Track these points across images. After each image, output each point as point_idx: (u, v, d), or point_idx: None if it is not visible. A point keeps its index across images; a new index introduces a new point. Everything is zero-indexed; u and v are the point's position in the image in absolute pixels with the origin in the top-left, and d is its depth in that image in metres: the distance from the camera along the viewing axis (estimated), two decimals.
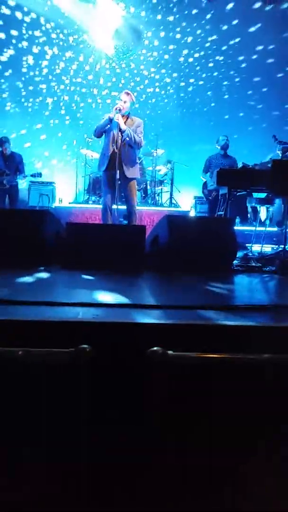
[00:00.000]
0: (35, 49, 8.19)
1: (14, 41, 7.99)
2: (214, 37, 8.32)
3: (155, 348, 1.18)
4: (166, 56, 8.59)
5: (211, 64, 8.55)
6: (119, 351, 1.27)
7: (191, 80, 8.76)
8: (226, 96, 8.65)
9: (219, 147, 5.95)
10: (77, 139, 8.14)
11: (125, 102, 4.12)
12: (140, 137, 4.23)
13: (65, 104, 8.52)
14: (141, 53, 8.56)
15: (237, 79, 8.53)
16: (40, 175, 5.92)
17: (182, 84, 8.76)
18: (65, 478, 1.11)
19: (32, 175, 5.86)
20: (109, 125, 4.14)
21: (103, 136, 4.30)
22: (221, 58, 8.48)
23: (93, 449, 1.13)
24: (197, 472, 1.11)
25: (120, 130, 4.10)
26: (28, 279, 2.15)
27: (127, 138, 4.13)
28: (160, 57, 8.63)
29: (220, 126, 7.68)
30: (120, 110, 4.04)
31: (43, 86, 8.34)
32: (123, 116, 4.14)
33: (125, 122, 4.16)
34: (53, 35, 8.15)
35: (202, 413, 1.15)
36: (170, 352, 1.18)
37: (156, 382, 1.17)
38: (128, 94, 4.19)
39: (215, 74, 8.59)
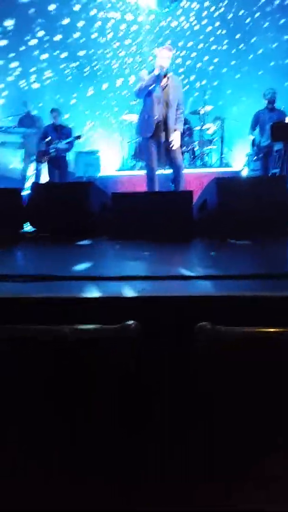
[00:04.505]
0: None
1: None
2: None
3: (203, 323, 1.11)
4: (213, 8, 7.96)
5: (257, 14, 7.82)
6: (166, 326, 1.21)
7: (234, 30, 8.09)
8: (275, 45, 7.92)
9: (266, 101, 5.53)
10: (118, 105, 7.95)
11: (167, 58, 3.89)
12: (182, 104, 4.07)
13: (106, 69, 8.30)
14: (183, 6, 8.01)
15: None
16: (79, 137, 5.86)
17: (223, 32, 8.13)
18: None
19: (75, 138, 5.80)
20: (154, 85, 3.93)
21: (143, 98, 4.11)
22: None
23: (135, 427, 1.10)
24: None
25: (162, 89, 3.90)
26: (73, 253, 2.14)
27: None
28: (202, 7, 8.03)
29: (272, 76, 7.11)
30: (163, 67, 3.83)
31: (82, 53, 8.14)
32: (163, 76, 3.93)
33: (166, 80, 3.95)
34: None
35: (253, 393, 1.07)
36: (220, 327, 1.10)
37: (205, 359, 1.10)
38: (168, 49, 3.94)
39: (265, 25, 7.86)
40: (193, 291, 1.36)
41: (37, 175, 6.15)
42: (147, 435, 1.12)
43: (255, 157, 5.90)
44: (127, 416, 1.11)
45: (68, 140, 5.80)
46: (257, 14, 7.99)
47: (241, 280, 1.49)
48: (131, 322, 1.13)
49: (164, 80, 3.90)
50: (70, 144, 5.87)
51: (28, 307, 1.31)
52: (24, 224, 2.71)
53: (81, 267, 1.82)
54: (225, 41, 8.17)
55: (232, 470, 1.04)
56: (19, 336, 1.17)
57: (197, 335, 1.09)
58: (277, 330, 1.08)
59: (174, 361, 1.16)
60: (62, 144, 5.78)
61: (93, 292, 1.36)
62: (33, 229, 2.69)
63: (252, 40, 8.01)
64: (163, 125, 3.88)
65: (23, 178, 6.52)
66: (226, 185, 2.81)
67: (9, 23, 7.49)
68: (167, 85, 3.92)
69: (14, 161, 6.77)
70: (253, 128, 5.70)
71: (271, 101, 5.49)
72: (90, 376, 1.15)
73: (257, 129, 5.63)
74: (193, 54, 8.27)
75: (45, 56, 8.00)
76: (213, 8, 8.09)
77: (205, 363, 1.10)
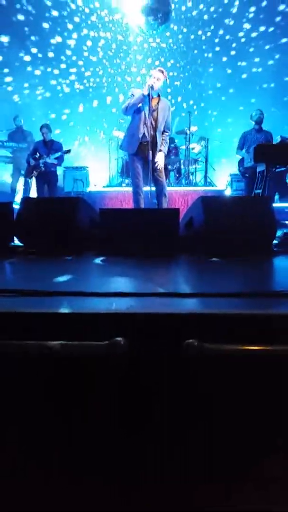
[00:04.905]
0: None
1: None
2: (253, 9, 7.90)
3: (190, 340, 1.13)
4: (200, 32, 8.24)
5: (243, 40, 8.14)
6: (154, 343, 1.23)
7: (220, 53, 8.38)
8: (260, 69, 8.24)
9: (253, 122, 5.70)
10: (108, 122, 8.08)
11: (158, 79, 3.98)
12: (169, 127, 4.18)
13: (97, 87, 8.44)
14: (172, 28, 8.28)
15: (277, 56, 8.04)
16: (68, 151, 5.90)
17: (210, 55, 8.42)
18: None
19: (64, 152, 5.83)
20: (141, 104, 4.01)
21: (131, 115, 4.18)
22: (260, 32, 8.02)
23: (124, 444, 1.11)
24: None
25: (150, 111, 3.99)
26: (61, 268, 2.15)
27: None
28: (189, 31, 8.30)
29: (257, 99, 7.35)
30: (153, 87, 3.92)
31: (73, 70, 8.29)
32: (153, 97, 4.02)
33: (157, 103, 4.04)
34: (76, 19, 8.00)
35: (241, 408, 1.10)
36: (207, 344, 1.13)
37: (194, 376, 1.13)
38: (162, 71, 4.03)
39: (251, 49, 8.18)
40: (180, 308, 1.39)
41: (27, 190, 6.15)
42: (146, 436, 1.13)
43: (242, 177, 6.03)
44: (126, 416, 1.12)
45: (57, 154, 5.84)
46: (243, 40, 8.31)
47: (227, 298, 1.53)
48: (120, 338, 1.15)
49: (154, 103, 3.99)
50: (60, 159, 5.90)
51: (16, 322, 1.31)
52: (15, 238, 2.72)
53: (68, 282, 1.83)
54: (212, 64, 8.43)
55: (231, 471, 1.06)
56: (10, 351, 1.17)
57: (185, 352, 1.12)
58: (265, 347, 1.12)
59: (174, 362, 1.18)
60: (51, 159, 5.81)
61: (80, 308, 1.37)
62: (21, 243, 2.70)
63: (238, 64, 8.30)
64: (150, 145, 3.95)
65: (13, 192, 6.52)
66: (212, 203, 2.87)
67: (4, 39, 7.62)
68: (157, 107, 4.01)
69: (3, 175, 6.78)
70: (240, 148, 5.83)
71: (258, 122, 5.64)
72: (85, 385, 1.16)
73: (245, 149, 5.77)
74: (181, 75, 8.50)
75: (38, 72, 8.14)
76: (200, 32, 8.37)
77: (194, 377, 1.13)
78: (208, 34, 8.34)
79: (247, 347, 1.13)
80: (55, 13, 7.98)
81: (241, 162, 5.88)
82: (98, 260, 2.48)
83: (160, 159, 4.08)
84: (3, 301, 1.47)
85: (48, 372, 1.17)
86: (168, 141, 4.27)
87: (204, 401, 1.13)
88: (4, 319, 1.32)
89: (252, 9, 8.10)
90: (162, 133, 4.12)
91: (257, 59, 8.21)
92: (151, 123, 3.98)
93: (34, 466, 1.11)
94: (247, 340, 1.15)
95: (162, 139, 4.11)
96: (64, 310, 1.36)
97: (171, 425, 1.14)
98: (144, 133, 3.98)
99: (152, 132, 3.99)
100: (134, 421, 1.14)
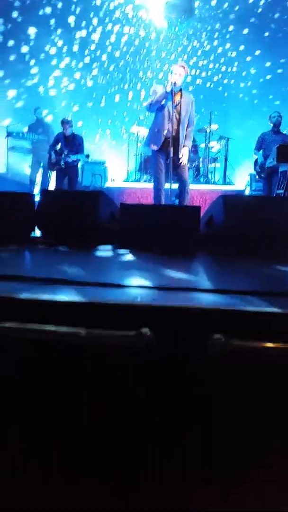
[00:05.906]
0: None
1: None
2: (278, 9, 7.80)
3: (217, 336, 1.13)
4: (224, 31, 8.17)
5: (267, 40, 8.04)
6: (179, 336, 1.23)
7: (245, 52, 8.30)
8: (280, 71, 8.13)
9: (271, 124, 5.68)
10: (129, 116, 8.08)
11: (180, 75, 3.97)
12: (193, 121, 4.17)
13: (120, 82, 8.45)
14: (196, 25, 8.23)
15: None
16: (87, 157, 5.86)
17: (233, 54, 8.34)
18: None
19: (82, 157, 5.80)
20: (164, 100, 4.03)
21: (155, 112, 4.18)
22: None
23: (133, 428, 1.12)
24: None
25: (174, 106, 3.99)
26: (83, 260, 2.17)
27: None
28: (213, 29, 8.24)
29: (277, 99, 7.28)
30: (175, 84, 3.92)
31: (96, 64, 8.32)
32: (176, 92, 4.01)
33: (180, 97, 4.04)
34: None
35: (264, 406, 1.10)
36: (233, 340, 1.12)
37: (216, 368, 1.13)
38: (182, 67, 4.03)
39: (275, 50, 8.09)
40: (202, 303, 1.39)
41: (45, 182, 6.16)
42: (145, 436, 1.13)
43: (257, 177, 6.00)
44: (125, 417, 1.13)
45: (77, 157, 5.79)
46: (268, 40, 8.21)
47: (249, 295, 1.53)
48: (146, 329, 1.16)
49: (177, 98, 3.98)
50: (78, 160, 5.87)
51: (43, 309, 1.33)
52: (35, 228, 2.75)
53: (91, 274, 1.85)
54: (236, 63, 8.37)
55: (229, 473, 1.07)
56: (35, 336, 1.19)
57: (210, 346, 1.12)
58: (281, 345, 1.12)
59: (173, 364, 1.18)
60: (71, 159, 5.77)
61: (105, 299, 1.38)
62: (42, 234, 2.73)
63: (262, 64, 8.21)
64: (173, 141, 3.95)
65: (31, 184, 6.57)
66: (233, 202, 2.85)
67: (31, 31, 7.72)
68: (180, 102, 4.01)
69: (22, 166, 6.84)
70: (257, 148, 5.82)
71: (277, 125, 5.63)
72: (94, 379, 1.17)
73: (261, 150, 5.75)
74: (203, 74, 8.46)
75: (62, 65, 8.21)
76: (224, 31, 8.31)
77: (215, 372, 1.13)
78: (233, 33, 8.27)
79: (272, 345, 1.13)
80: (80, 7, 8.03)
81: (256, 162, 5.88)
82: (118, 254, 2.50)
83: (185, 154, 4.08)
84: (31, 288, 1.49)
85: (47, 371, 1.17)
86: (192, 136, 4.26)
87: (222, 393, 1.13)
88: (32, 306, 1.34)
89: (278, 9, 8.01)
90: (186, 128, 4.11)
91: (282, 60, 8.11)
92: (175, 118, 3.98)
93: (35, 465, 1.11)
94: (266, 337, 1.15)
95: (186, 134, 4.10)
96: (90, 299, 1.37)
97: (170, 426, 1.14)
98: (168, 129, 3.99)
99: (176, 127, 3.99)
100: (133, 421, 1.15)
